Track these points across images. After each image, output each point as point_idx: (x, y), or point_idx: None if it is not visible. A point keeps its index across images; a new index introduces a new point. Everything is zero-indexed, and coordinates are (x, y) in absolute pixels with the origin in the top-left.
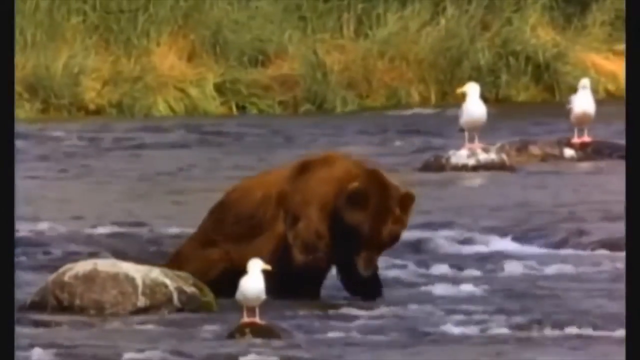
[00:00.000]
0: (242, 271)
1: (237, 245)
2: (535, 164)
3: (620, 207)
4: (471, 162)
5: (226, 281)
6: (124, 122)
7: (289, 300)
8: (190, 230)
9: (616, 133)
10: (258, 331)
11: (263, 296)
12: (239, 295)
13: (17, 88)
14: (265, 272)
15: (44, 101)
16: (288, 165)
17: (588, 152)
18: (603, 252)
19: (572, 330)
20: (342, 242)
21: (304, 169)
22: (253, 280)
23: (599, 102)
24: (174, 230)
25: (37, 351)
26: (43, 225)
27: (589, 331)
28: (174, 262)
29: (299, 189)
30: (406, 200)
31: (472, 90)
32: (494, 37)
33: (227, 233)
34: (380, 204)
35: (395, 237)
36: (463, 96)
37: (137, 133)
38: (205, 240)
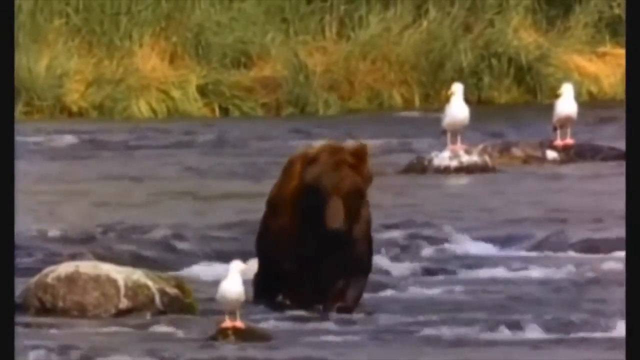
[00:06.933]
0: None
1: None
2: (517, 165)
3: (605, 208)
4: (454, 163)
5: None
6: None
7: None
8: None
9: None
10: (239, 334)
11: (242, 298)
12: (218, 297)
13: None
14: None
15: (27, 103)
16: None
17: (570, 154)
18: (585, 255)
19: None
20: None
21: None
22: (232, 283)
23: (581, 105)
24: None
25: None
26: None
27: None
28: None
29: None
30: (360, 151)
31: (457, 91)
32: (476, 39)
33: (280, 197)
34: (331, 157)
35: (356, 187)
36: (447, 98)
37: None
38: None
